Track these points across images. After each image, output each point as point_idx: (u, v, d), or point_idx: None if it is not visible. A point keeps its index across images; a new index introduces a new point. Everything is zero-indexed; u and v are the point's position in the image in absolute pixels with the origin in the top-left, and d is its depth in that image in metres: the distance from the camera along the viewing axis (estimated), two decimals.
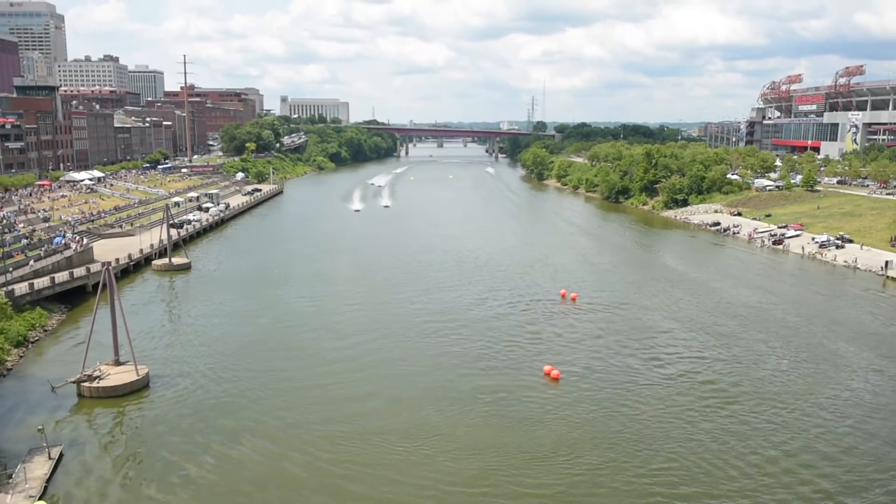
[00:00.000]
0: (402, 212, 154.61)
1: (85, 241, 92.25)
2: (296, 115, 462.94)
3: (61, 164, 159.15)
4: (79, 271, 75.76)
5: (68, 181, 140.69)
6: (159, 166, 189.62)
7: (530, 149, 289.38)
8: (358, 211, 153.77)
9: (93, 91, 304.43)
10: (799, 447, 41.97)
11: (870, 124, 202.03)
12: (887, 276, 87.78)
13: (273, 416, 45.76)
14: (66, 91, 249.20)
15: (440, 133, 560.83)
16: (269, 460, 40.08)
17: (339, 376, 52.91)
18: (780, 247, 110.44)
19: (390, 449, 41.50)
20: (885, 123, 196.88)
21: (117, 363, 51.87)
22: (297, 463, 39.82)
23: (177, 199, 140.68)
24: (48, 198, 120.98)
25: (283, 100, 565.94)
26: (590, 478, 38.53)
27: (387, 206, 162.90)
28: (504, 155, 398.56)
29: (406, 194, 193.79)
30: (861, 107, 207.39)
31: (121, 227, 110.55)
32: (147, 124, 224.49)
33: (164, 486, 37.26)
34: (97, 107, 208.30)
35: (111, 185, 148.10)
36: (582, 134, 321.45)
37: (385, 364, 55.54)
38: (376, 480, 38.10)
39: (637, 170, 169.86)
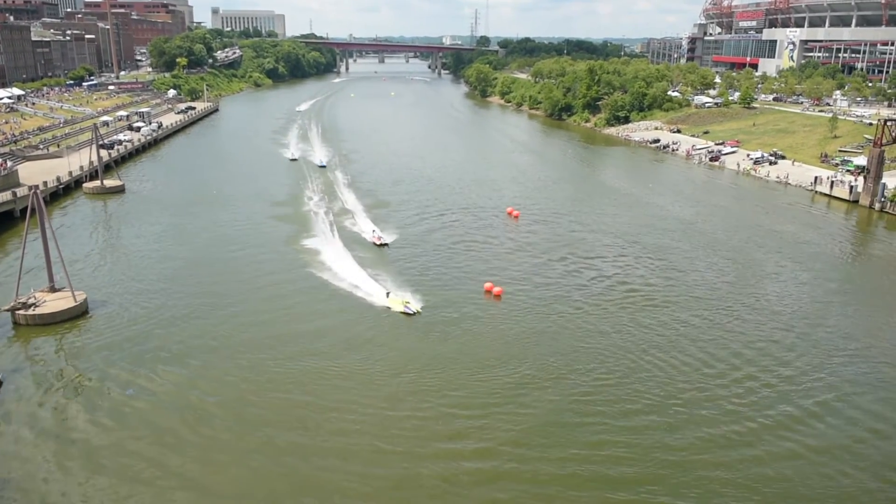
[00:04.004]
0: (343, 133, 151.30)
1: (9, 163, 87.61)
2: (228, 29, 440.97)
3: None
4: (4, 195, 72.18)
5: None
6: (84, 83, 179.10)
7: (473, 65, 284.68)
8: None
9: (4, 1, 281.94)
10: (729, 353, 44.23)
11: (806, 41, 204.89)
12: (816, 192, 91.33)
13: (209, 338, 45.49)
14: None
15: (381, 48, 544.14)
16: (208, 384, 39.98)
17: (271, 293, 53.02)
18: (717, 163, 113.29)
19: (324, 369, 41.39)
20: (821, 41, 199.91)
21: (53, 290, 50.40)
22: (225, 395, 39.01)
23: (105, 118, 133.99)
24: None
25: (215, 12, 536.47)
26: (531, 396, 39.56)
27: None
28: (447, 71, 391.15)
29: (345, 113, 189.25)
30: (799, 23, 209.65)
31: (46, 148, 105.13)
32: (68, 38, 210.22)
33: (107, 410, 37.07)
34: (10, 18, 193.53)
35: (33, 103, 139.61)
36: (525, 49, 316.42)
37: (321, 284, 55.27)
38: (309, 406, 37.89)
39: (580, 86, 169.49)
